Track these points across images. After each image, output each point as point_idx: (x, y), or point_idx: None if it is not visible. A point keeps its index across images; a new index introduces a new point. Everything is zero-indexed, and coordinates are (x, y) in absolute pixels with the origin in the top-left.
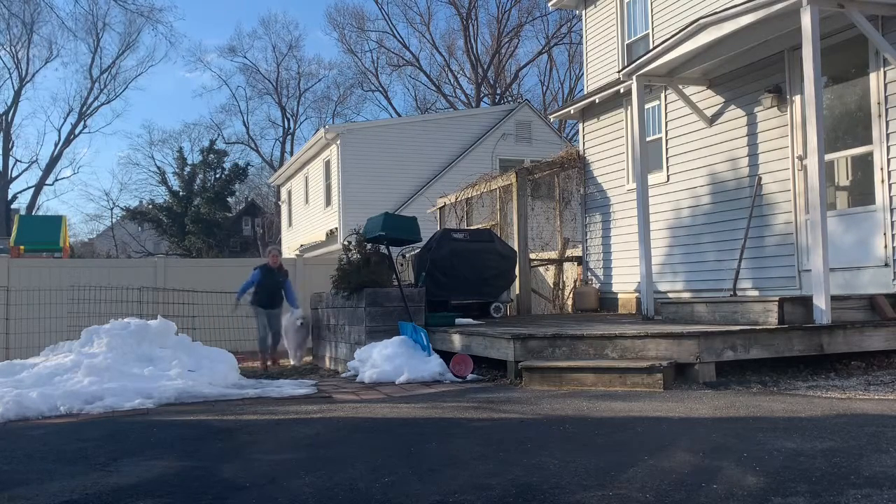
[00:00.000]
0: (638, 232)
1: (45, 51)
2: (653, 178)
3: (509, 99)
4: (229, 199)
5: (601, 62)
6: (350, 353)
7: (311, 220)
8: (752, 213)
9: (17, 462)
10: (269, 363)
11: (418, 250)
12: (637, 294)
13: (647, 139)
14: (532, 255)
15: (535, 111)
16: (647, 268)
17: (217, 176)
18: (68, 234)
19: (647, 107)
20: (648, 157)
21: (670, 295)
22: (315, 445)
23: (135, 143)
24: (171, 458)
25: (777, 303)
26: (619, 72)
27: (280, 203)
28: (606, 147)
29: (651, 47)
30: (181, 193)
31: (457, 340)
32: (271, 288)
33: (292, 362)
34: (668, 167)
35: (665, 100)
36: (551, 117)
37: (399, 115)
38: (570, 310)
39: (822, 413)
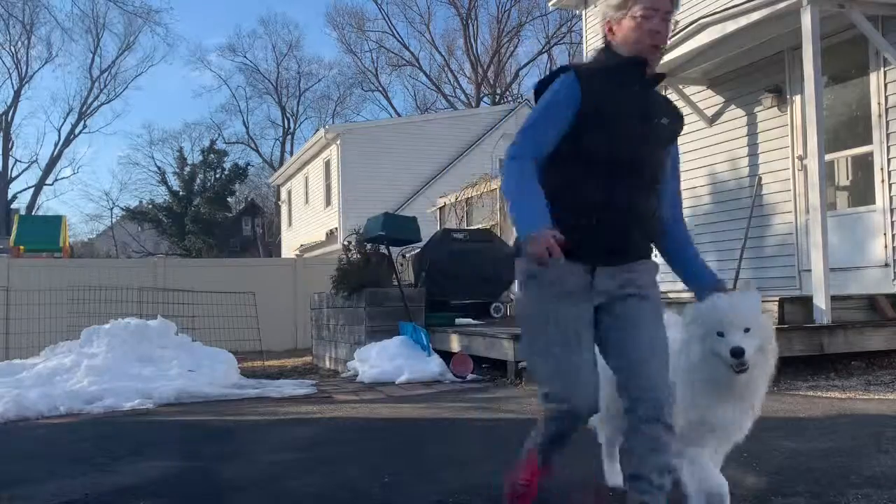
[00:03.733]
0: None
1: (45, 51)
2: None
3: (509, 99)
4: (229, 199)
5: None
6: (350, 353)
7: (310, 220)
8: (752, 214)
9: (17, 462)
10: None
11: (418, 250)
12: None
13: None
14: None
15: None
16: None
17: (217, 176)
18: (68, 234)
19: None
20: None
21: (670, 295)
22: (315, 445)
23: (135, 142)
24: (171, 458)
25: (777, 303)
26: None
27: (280, 203)
28: None
29: None
30: (181, 193)
31: (457, 340)
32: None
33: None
34: None
35: None
36: None
37: (399, 115)
38: None
39: (822, 413)
